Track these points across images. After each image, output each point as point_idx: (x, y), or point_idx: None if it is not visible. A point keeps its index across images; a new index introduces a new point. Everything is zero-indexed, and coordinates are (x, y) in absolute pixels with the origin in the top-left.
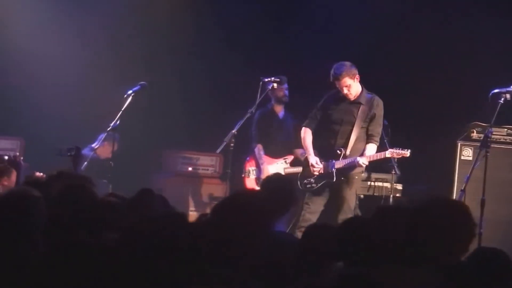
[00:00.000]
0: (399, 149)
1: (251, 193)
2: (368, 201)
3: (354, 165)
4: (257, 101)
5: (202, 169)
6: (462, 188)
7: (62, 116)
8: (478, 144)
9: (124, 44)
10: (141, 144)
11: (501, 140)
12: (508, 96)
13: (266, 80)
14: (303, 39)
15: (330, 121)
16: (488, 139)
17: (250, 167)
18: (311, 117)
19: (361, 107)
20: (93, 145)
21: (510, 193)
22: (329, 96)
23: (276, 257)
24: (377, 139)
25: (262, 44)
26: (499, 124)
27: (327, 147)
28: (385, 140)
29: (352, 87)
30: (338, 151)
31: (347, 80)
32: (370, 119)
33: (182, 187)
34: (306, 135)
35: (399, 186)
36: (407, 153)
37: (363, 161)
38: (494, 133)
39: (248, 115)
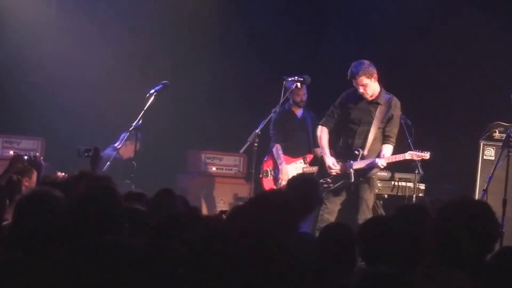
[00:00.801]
0: (419, 151)
1: (279, 193)
2: (391, 201)
3: (372, 166)
4: (281, 101)
5: (226, 169)
6: (484, 188)
7: (84, 116)
8: (500, 144)
9: (148, 43)
10: (165, 144)
11: None
12: None
13: (290, 79)
14: (328, 39)
15: (348, 121)
16: (510, 139)
17: (268, 168)
18: (328, 115)
19: (379, 107)
20: (115, 145)
21: None
22: (347, 94)
23: (301, 257)
24: (393, 140)
25: (286, 44)
26: None
27: (344, 147)
28: (409, 140)
29: (369, 86)
30: (356, 151)
31: (364, 79)
32: (387, 120)
33: (205, 187)
34: (323, 133)
35: (422, 186)
36: (426, 155)
37: (382, 162)
38: None
39: (271, 114)
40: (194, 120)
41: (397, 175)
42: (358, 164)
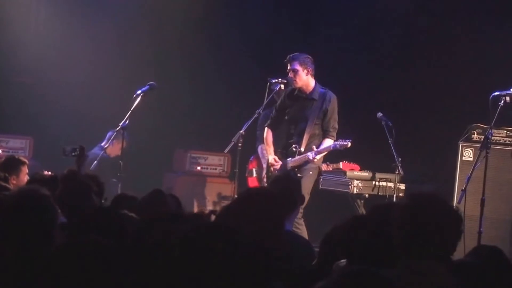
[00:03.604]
0: (341, 141)
1: (265, 191)
2: (372, 201)
3: (306, 161)
4: (265, 102)
5: (211, 169)
6: (463, 188)
7: (72, 115)
8: (478, 145)
9: (135, 44)
10: (151, 144)
11: (501, 141)
12: (507, 98)
13: (273, 81)
14: (316, 40)
15: (288, 120)
16: (488, 141)
17: (253, 167)
18: (271, 118)
19: (314, 103)
20: (102, 144)
21: (509, 192)
22: (285, 95)
23: (290, 255)
24: (334, 133)
25: (273, 44)
26: (499, 125)
27: (285, 146)
28: (390, 141)
29: (299, 75)
30: (293, 148)
31: (296, 65)
32: (323, 114)
33: (190, 186)
34: (268, 135)
35: (402, 186)
36: (348, 143)
37: (313, 155)
38: (494, 134)
39: (256, 115)
40: (180, 120)
41: (378, 175)
42: (295, 161)
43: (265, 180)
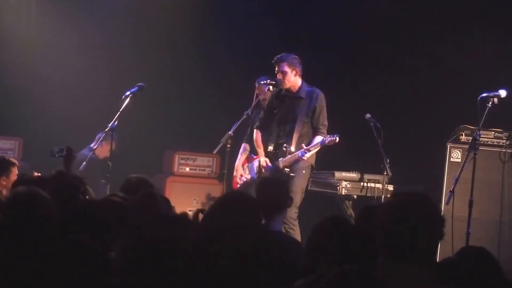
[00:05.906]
0: (330, 136)
1: (242, 192)
2: (361, 202)
3: (297, 160)
4: (253, 103)
5: (199, 170)
6: (451, 189)
7: (61, 116)
8: (466, 146)
9: (124, 45)
10: (140, 145)
11: (489, 142)
12: (495, 100)
13: (262, 82)
14: (303, 41)
15: (277, 120)
16: (477, 142)
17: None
18: (260, 119)
19: (302, 102)
20: (91, 145)
21: (497, 193)
22: (273, 96)
23: (277, 256)
24: (324, 130)
25: (261, 45)
26: (486, 127)
27: (276, 146)
28: (378, 142)
29: (288, 76)
30: (283, 148)
31: (285, 66)
32: (312, 112)
33: (179, 187)
34: (257, 136)
35: (391, 187)
36: (336, 138)
37: (303, 153)
38: (482, 135)
39: (244, 116)
40: (169, 121)
41: (366, 176)
42: (286, 160)
43: (235, 178)
